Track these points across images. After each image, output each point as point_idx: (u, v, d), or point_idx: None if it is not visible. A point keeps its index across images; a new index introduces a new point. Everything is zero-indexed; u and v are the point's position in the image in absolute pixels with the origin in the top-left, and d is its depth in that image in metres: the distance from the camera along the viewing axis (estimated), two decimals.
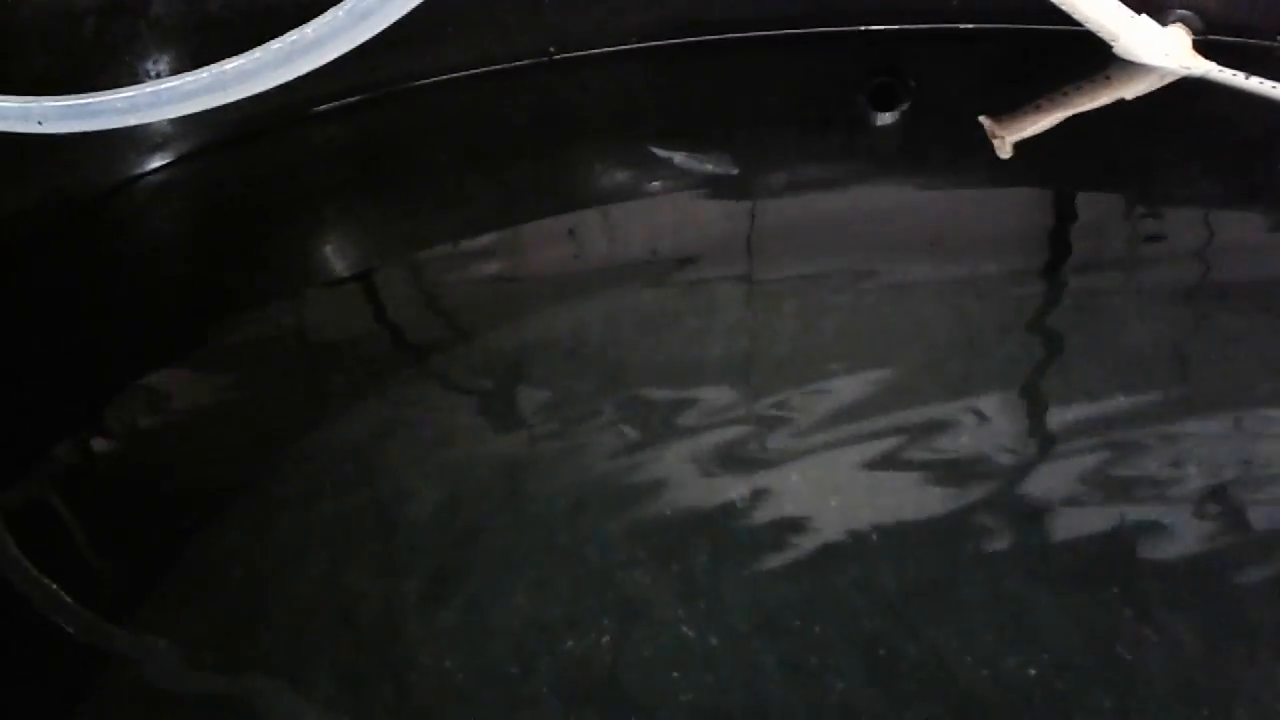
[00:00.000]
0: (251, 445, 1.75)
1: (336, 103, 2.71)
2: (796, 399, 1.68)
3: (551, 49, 2.85)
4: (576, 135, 2.71)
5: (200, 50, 1.84)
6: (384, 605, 1.41)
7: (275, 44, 1.64)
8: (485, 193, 2.45)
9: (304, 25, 1.63)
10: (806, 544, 1.42)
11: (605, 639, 1.32)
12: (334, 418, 1.77)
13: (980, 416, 1.61)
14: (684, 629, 1.32)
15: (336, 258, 2.35)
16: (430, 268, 2.22)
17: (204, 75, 1.66)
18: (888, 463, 1.54)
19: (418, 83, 2.78)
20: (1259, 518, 1.41)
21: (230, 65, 1.65)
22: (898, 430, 1.60)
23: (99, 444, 1.86)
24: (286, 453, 1.71)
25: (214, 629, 1.42)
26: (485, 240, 2.30)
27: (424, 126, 2.75)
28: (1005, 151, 2.31)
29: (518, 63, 2.84)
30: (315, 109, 2.69)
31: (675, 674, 1.27)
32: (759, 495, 1.50)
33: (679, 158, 2.43)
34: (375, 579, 1.45)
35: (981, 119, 2.39)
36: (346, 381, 1.86)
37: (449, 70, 2.80)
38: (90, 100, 1.71)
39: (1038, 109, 2.44)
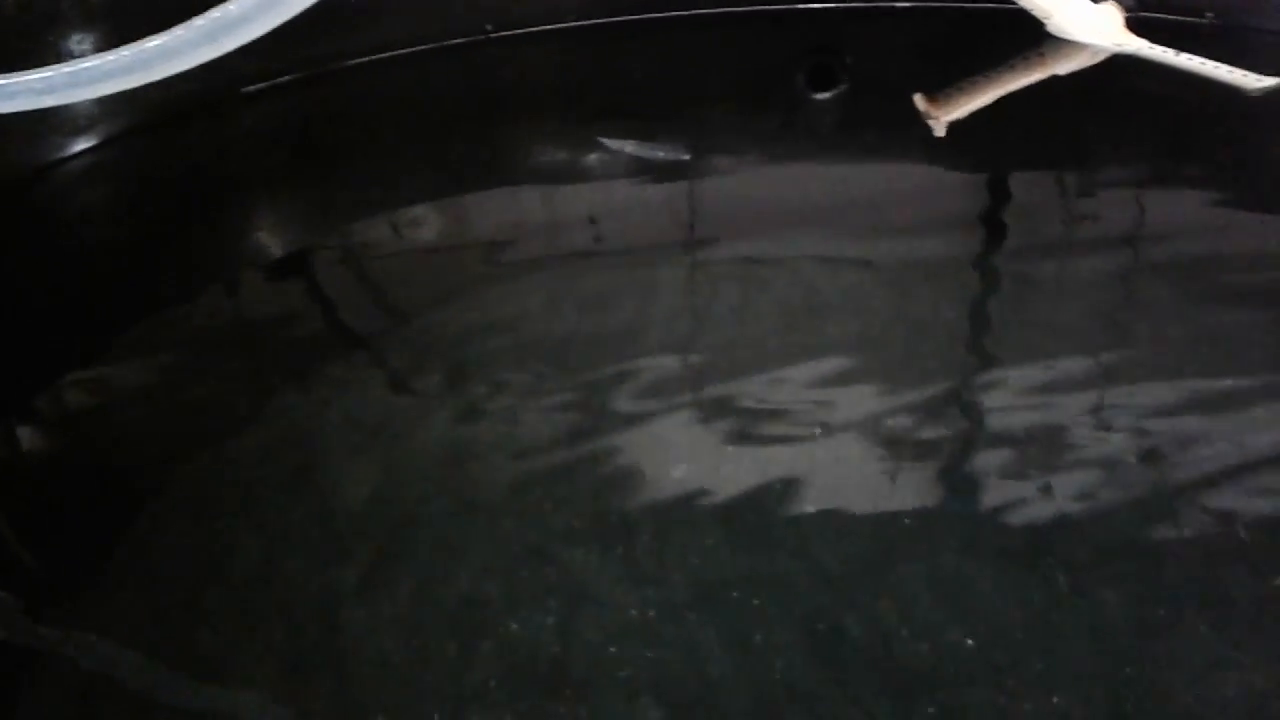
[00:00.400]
0: (185, 434, 1.71)
1: (268, 83, 2.66)
2: (737, 378, 1.68)
3: (489, 27, 2.83)
4: (515, 114, 2.68)
5: (126, 28, 1.78)
6: (323, 593, 1.39)
7: (199, 20, 1.60)
8: (423, 175, 2.42)
9: (228, 1, 1.59)
10: (748, 522, 1.43)
11: (549, 620, 1.31)
12: (271, 403, 1.74)
13: (918, 393, 1.63)
14: (628, 609, 1.32)
15: (270, 242, 2.30)
16: (367, 251, 2.18)
17: (125, 54, 1.62)
18: (827, 440, 1.55)
19: (351, 62, 2.74)
20: (1190, 488, 1.44)
21: (152, 43, 1.61)
22: (837, 408, 1.61)
23: (27, 435, 1.81)
24: (222, 440, 1.68)
25: (151, 622, 1.39)
26: (424, 223, 2.27)
27: (359, 107, 2.71)
28: (940, 129, 2.33)
29: (455, 40, 2.81)
30: (246, 89, 2.64)
31: (618, 653, 1.27)
32: (700, 474, 1.51)
33: (630, 146, 2.41)
34: (314, 566, 1.43)
35: (916, 98, 2.41)
36: (282, 367, 1.83)
37: (384, 49, 2.76)
38: (6, 81, 1.66)
39: (973, 86, 2.47)
